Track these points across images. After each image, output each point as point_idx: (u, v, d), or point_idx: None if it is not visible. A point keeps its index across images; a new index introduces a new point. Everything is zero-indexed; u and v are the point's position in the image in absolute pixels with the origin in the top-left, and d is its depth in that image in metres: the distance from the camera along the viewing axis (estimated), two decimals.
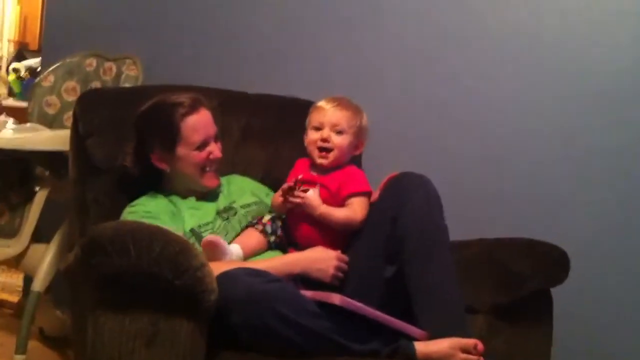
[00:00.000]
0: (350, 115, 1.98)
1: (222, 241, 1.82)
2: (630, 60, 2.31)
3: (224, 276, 1.53)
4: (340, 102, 2.00)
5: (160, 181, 2.03)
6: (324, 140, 1.96)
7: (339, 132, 1.96)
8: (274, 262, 1.84)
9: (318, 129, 1.98)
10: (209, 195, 2.04)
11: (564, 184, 2.37)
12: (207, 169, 1.99)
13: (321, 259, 1.85)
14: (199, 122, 1.96)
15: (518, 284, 1.85)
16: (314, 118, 2.00)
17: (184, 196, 2.01)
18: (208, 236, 1.82)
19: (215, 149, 1.99)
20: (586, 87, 2.35)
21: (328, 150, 1.96)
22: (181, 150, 1.95)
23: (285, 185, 1.93)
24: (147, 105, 2.00)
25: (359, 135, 2.01)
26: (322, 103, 2.01)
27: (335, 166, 1.98)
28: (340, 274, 1.85)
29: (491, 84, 2.46)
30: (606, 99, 2.33)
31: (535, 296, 1.89)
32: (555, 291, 1.92)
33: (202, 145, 1.96)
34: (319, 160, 1.98)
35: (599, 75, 2.34)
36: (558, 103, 2.38)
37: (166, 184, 2.03)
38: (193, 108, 1.96)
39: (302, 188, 1.91)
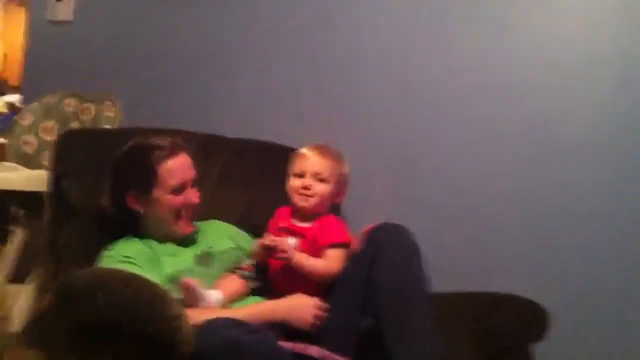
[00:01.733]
0: (332, 163, 1.99)
1: (198, 286, 1.80)
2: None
3: (202, 326, 1.51)
4: (323, 149, 2.02)
5: (136, 225, 2.01)
6: (305, 187, 1.97)
7: (321, 180, 1.98)
8: (253, 309, 1.83)
9: (300, 176, 1.99)
10: (187, 241, 2.03)
11: (549, 236, 2.34)
12: (183, 214, 1.98)
13: (301, 306, 1.84)
14: (177, 166, 1.95)
15: (492, 338, 1.83)
16: (297, 165, 2.01)
17: (161, 241, 1.99)
18: (186, 278, 1.80)
19: (191, 195, 1.98)
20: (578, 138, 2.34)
21: (309, 195, 1.97)
22: (157, 193, 1.94)
23: (262, 241, 1.93)
24: (126, 147, 2.00)
25: (340, 183, 2.02)
26: (304, 150, 2.03)
27: (316, 212, 1.99)
28: (319, 322, 1.83)
29: (475, 131, 2.42)
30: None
31: (516, 352, 1.87)
32: (540, 346, 1.89)
33: (178, 190, 1.95)
34: (301, 203, 1.98)
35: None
36: (539, 149, 2.37)
37: (141, 228, 2.01)
38: (172, 152, 1.95)
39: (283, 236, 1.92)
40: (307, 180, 1.97)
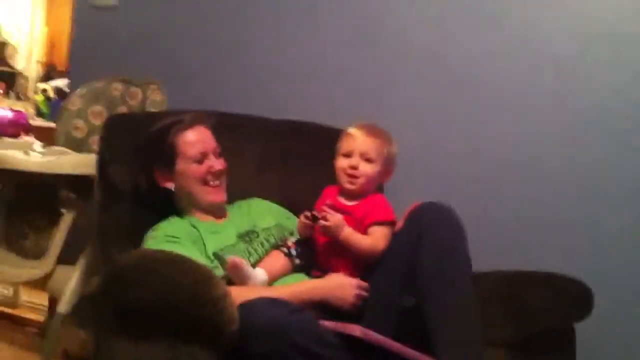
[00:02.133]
0: (379, 143, 1.98)
1: (245, 265, 1.83)
2: None
3: (245, 306, 1.54)
4: (371, 129, 2.00)
5: (175, 207, 2.06)
6: (353, 167, 1.96)
7: (368, 160, 1.97)
8: (295, 288, 1.84)
9: (347, 156, 1.98)
10: (229, 218, 2.08)
11: (592, 217, 2.35)
12: (210, 183, 2.02)
13: (342, 286, 1.85)
14: (195, 137, 2.02)
15: (538, 319, 1.82)
16: (344, 145, 2.00)
17: (204, 219, 2.03)
18: (232, 258, 1.82)
19: (215, 163, 2.03)
20: (608, 115, 2.34)
21: (356, 176, 1.97)
22: (180, 166, 2.01)
23: (308, 213, 1.94)
24: (151, 129, 2.07)
25: (388, 163, 2.01)
26: (352, 130, 2.01)
27: (363, 192, 1.99)
28: (359, 302, 1.84)
29: (521, 115, 2.46)
30: (625, 124, 2.32)
31: (557, 330, 1.86)
32: (579, 325, 1.89)
33: (199, 159, 2.00)
34: (347, 185, 1.98)
35: (620, 103, 2.33)
36: (582, 132, 2.37)
37: (181, 207, 2.06)
38: (189, 125, 2.03)
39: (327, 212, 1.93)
40: (355, 160, 1.96)
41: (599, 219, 2.33)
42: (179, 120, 2.04)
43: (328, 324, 1.63)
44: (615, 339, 2.29)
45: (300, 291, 1.83)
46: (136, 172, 2.07)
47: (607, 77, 2.33)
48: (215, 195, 2.03)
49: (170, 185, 2.03)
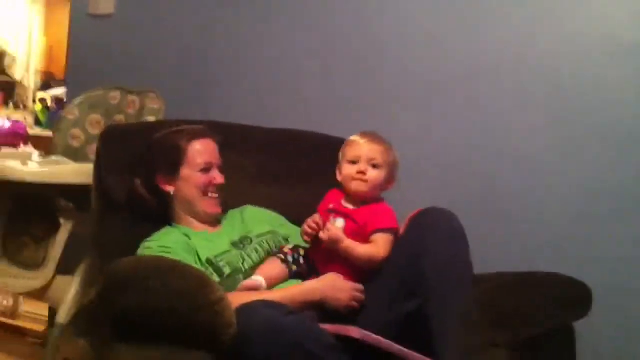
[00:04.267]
0: (384, 149, 2.00)
1: (253, 282, 1.85)
2: None
3: (242, 309, 1.55)
4: (374, 136, 2.02)
5: (170, 214, 2.09)
6: (361, 172, 1.97)
7: (375, 166, 1.98)
8: (291, 291, 1.85)
9: (354, 162, 1.99)
10: (222, 228, 2.10)
11: (588, 216, 2.36)
12: (210, 194, 2.05)
13: (337, 287, 1.86)
14: (204, 148, 2.07)
15: (538, 319, 1.83)
16: (350, 152, 2.01)
17: (197, 229, 2.06)
18: (243, 284, 1.85)
19: (218, 176, 2.06)
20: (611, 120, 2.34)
21: (365, 181, 1.97)
22: (185, 172, 2.04)
23: (311, 222, 1.95)
24: (158, 134, 2.11)
25: (392, 170, 2.02)
26: (356, 137, 2.03)
27: (370, 198, 1.99)
28: (355, 304, 1.85)
29: (521, 114, 2.47)
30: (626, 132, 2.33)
31: (557, 330, 1.87)
32: (579, 324, 1.91)
33: (205, 169, 2.04)
34: (357, 188, 1.97)
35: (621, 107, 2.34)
36: (585, 134, 2.37)
37: (175, 216, 2.08)
38: (200, 135, 2.08)
39: (331, 217, 1.95)
40: (363, 166, 1.97)
41: (601, 219, 2.33)
42: (189, 128, 2.09)
43: (326, 326, 1.63)
44: (616, 339, 2.30)
45: (293, 294, 1.84)
46: (136, 175, 2.08)
47: (611, 76, 2.33)
48: (212, 207, 2.07)
49: (171, 189, 2.05)
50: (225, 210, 2.15)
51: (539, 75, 2.43)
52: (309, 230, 1.94)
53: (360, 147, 1.99)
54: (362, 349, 1.59)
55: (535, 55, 2.43)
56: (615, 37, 2.31)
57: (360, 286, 1.87)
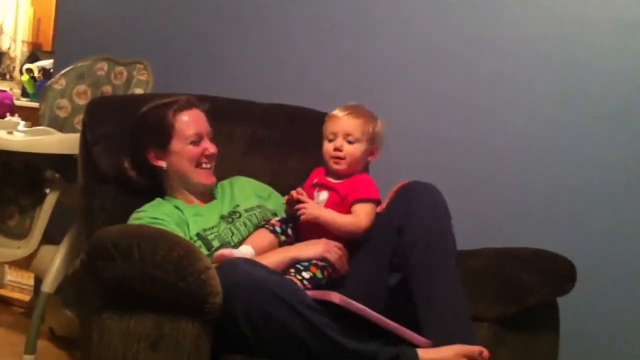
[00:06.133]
0: (362, 123, 1.99)
1: (229, 250, 1.83)
2: None
3: (224, 266, 1.57)
4: (353, 109, 2.01)
5: (162, 187, 2.07)
6: (337, 149, 1.98)
7: (352, 141, 1.98)
8: (269, 256, 1.86)
9: (331, 139, 2.00)
10: (213, 201, 2.09)
11: (574, 194, 2.37)
12: (203, 165, 2.04)
13: (308, 244, 1.90)
14: (192, 118, 2.03)
15: (523, 294, 1.84)
16: (328, 128, 2.02)
17: (188, 202, 2.04)
18: (217, 252, 1.84)
19: (209, 146, 2.04)
20: (602, 104, 2.35)
21: (341, 158, 1.98)
22: (175, 145, 2.01)
23: (288, 196, 1.98)
24: (144, 108, 2.07)
25: (373, 142, 2.01)
26: (336, 112, 2.02)
27: (350, 173, 2.00)
28: (330, 256, 1.86)
29: (509, 93, 2.46)
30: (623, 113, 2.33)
31: (541, 306, 1.88)
32: (562, 300, 1.93)
33: (196, 141, 2.02)
34: (334, 167, 1.99)
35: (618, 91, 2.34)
36: (572, 116, 2.38)
37: (168, 189, 2.07)
38: (187, 106, 2.04)
39: (315, 191, 1.97)
40: (338, 142, 1.98)
41: (587, 195, 2.35)
42: (174, 100, 2.05)
43: (308, 292, 1.65)
44: (598, 315, 2.32)
45: (273, 253, 1.88)
46: (126, 151, 2.06)
47: (613, 75, 2.34)
48: (206, 178, 2.05)
49: (162, 164, 2.03)
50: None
51: (534, 57, 2.43)
52: (288, 206, 1.97)
53: (337, 123, 2.00)
54: (342, 315, 1.59)
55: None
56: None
57: (336, 243, 1.89)
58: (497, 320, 1.84)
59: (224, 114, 2.24)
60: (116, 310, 1.50)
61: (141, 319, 1.48)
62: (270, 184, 2.25)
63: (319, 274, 1.84)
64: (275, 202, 2.16)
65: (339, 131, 1.98)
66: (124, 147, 2.07)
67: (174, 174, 2.04)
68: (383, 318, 1.62)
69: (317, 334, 1.55)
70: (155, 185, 2.07)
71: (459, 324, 1.68)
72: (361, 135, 1.98)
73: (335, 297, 1.59)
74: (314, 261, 1.86)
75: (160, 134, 2.01)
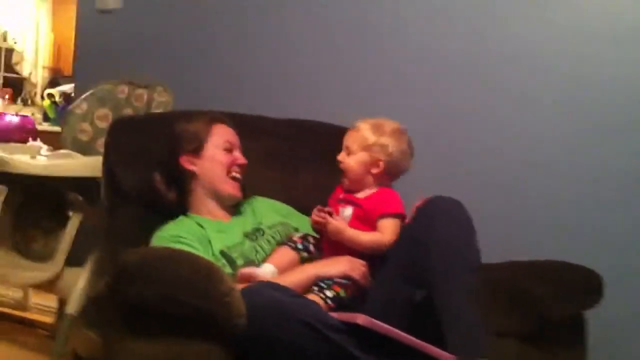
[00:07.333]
0: (362, 134, 1.98)
1: (252, 269, 1.84)
2: None
3: (248, 291, 1.55)
4: (363, 122, 2.02)
5: (188, 202, 2.08)
6: (339, 162, 2.01)
7: (350, 154, 1.99)
8: (292, 274, 1.86)
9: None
10: (236, 217, 2.09)
11: (601, 205, 2.36)
12: (233, 173, 2.06)
13: (330, 262, 1.89)
14: (225, 129, 2.11)
15: (546, 309, 1.82)
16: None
17: (212, 217, 2.05)
18: (241, 270, 1.84)
19: (240, 157, 2.09)
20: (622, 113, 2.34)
21: (344, 171, 2.00)
22: (209, 150, 2.06)
23: (319, 209, 1.97)
24: (178, 123, 2.12)
25: (374, 152, 1.98)
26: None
27: (355, 187, 2.00)
28: (354, 274, 1.85)
29: (528, 105, 2.47)
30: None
31: (567, 320, 1.86)
32: (591, 314, 1.89)
33: (228, 148, 2.07)
34: (342, 179, 2.01)
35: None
36: (591, 126, 2.37)
37: (194, 202, 2.07)
38: (219, 119, 2.13)
39: (340, 207, 1.97)
40: (341, 155, 2.01)
41: (612, 206, 2.33)
42: (206, 112, 2.14)
43: (332, 313, 1.64)
44: (627, 329, 2.30)
45: (295, 272, 1.87)
46: (153, 168, 2.08)
47: (617, 77, 2.33)
48: (234, 189, 2.07)
49: (194, 169, 2.05)
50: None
51: (543, 66, 2.43)
52: (317, 219, 1.96)
53: (345, 136, 2.02)
54: (368, 335, 1.58)
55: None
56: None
57: (360, 261, 1.89)
58: (522, 335, 1.82)
59: (241, 130, 2.25)
60: (140, 334, 1.50)
61: (164, 342, 1.48)
62: (285, 200, 2.25)
63: (342, 293, 1.83)
64: (297, 219, 2.16)
65: (344, 144, 2.02)
66: (149, 164, 2.09)
67: (205, 181, 2.06)
68: (408, 336, 1.60)
69: (344, 355, 1.54)
70: (180, 203, 2.07)
71: (484, 340, 1.65)
72: (358, 147, 1.98)
73: (360, 318, 1.57)
74: (337, 279, 1.85)
75: (195, 138, 2.06)
